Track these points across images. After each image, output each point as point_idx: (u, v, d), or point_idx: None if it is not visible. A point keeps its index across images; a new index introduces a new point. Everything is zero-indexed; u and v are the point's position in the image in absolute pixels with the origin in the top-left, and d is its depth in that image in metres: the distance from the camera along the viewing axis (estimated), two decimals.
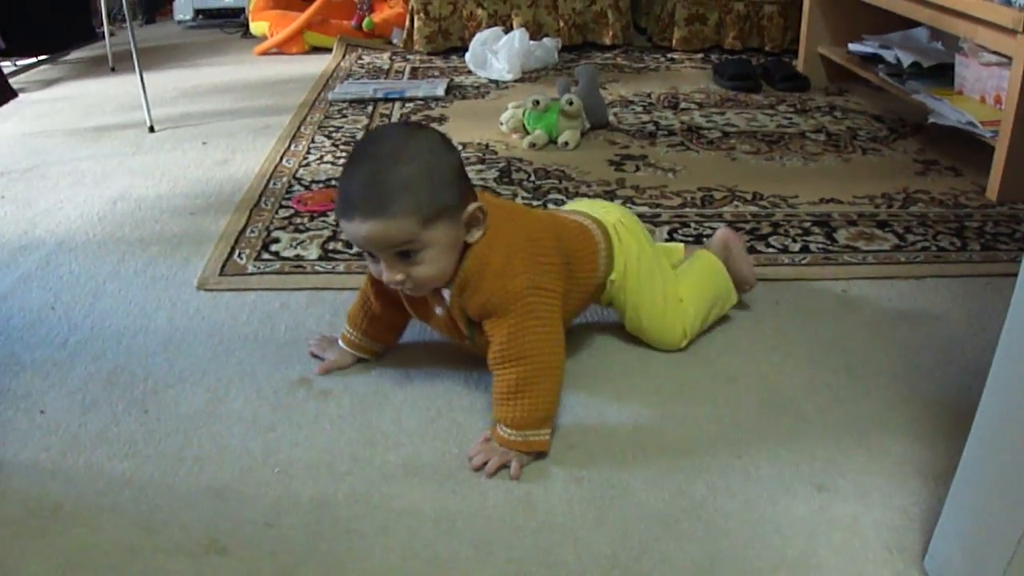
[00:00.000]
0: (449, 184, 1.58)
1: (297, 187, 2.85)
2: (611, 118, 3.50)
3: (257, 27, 5.03)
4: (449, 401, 1.79)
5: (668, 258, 2.09)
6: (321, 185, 2.85)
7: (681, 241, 2.35)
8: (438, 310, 1.73)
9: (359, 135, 3.36)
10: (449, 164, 1.60)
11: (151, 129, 3.48)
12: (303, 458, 1.62)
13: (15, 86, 2.68)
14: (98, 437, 1.69)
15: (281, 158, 3.12)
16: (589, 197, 2.32)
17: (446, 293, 1.70)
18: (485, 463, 1.59)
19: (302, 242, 2.44)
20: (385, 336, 1.92)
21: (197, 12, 5.64)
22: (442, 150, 1.61)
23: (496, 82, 4.16)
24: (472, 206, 1.61)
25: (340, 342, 1.91)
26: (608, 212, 1.98)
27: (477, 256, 1.63)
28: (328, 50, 4.83)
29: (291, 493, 1.54)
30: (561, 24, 4.71)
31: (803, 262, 2.33)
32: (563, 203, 2.66)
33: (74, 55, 4.79)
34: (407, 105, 3.77)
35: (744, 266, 2.10)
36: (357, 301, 1.90)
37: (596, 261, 1.86)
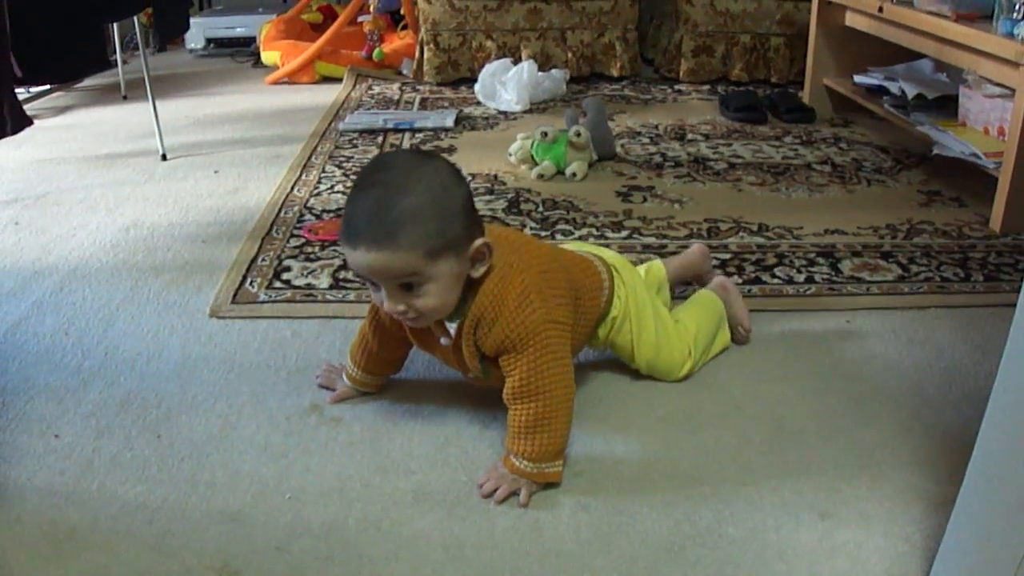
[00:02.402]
0: (456, 218, 1.56)
1: (308, 216, 2.87)
2: (619, 149, 3.51)
3: (268, 56, 5.05)
4: (458, 429, 1.80)
5: (652, 274, 2.14)
6: (332, 215, 2.87)
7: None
8: (443, 340, 1.73)
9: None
10: (458, 196, 1.57)
11: (163, 157, 3.50)
12: (314, 484, 1.64)
13: (28, 113, 2.70)
14: (112, 462, 1.71)
15: (292, 187, 3.14)
16: (581, 240, 2.31)
17: (451, 326, 1.70)
18: (495, 490, 1.60)
19: (313, 271, 2.46)
20: (384, 370, 1.93)
21: (209, 41, 5.66)
22: (451, 181, 1.58)
23: (505, 113, 4.18)
24: (478, 242, 1.59)
25: (343, 376, 1.93)
26: (602, 253, 2.00)
27: (491, 292, 1.63)
28: (339, 80, 4.85)
29: (302, 518, 1.56)
30: (569, 56, 4.73)
31: (808, 292, 2.35)
32: (572, 234, 2.69)
33: (86, 83, 4.81)
34: (417, 136, 3.79)
35: (741, 310, 2.14)
36: (356, 338, 1.90)
37: (599, 295, 1.87)
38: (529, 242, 1.80)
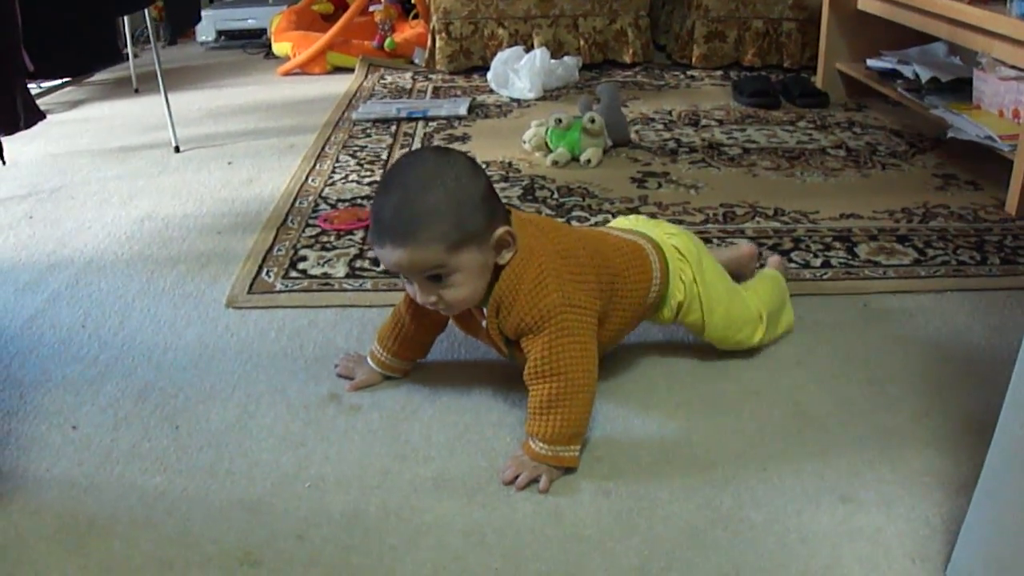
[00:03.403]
0: (476, 210, 1.60)
1: (323, 206, 2.87)
2: (632, 135, 3.51)
3: (280, 48, 5.04)
4: (478, 416, 1.80)
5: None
6: (347, 204, 2.87)
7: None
8: (484, 323, 1.75)
9: (383, 154, 3.39)
10: (476, 189, 1.62)
11: (176, 149, 3.51)
12: (334, 472, 1.64)
13: (41, 107, 2.70)
14: (130, 452, 1.71)
15: (307, 177, 3.14)
16: (648, 217, 2.30)
17: (485, 309, 1.72)
18: (516, 477, 1.61)
19: (329, 260, 2.46)
20: (413, 354, 1.94)
21: (220, 33, 5.65)
22: (469, 175, 1.63)
23: (518, 101, 4.17)
24: (500, 230, 1.63)
25: (369, 360, 1.93)
26: (661, 228, 2.00)
27: (509, 276, 1.66)
28: (350, 70, 4.84)
29: (322, 507, 1.56)
30: (581, 43, 4.72)
31: (824, 277, 2.34)
32: (587, 220, 2.69)
33: (98, 77, 4.82)
34: (430, 124, 3.79)
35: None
36: (389, 321, 1.92)
37: (648, 279, 1.86)
38: (557, 227, 1.81)
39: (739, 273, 2.22)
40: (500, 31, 4.70)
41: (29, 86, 2.72)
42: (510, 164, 3.26)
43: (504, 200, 2.80)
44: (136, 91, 4.56)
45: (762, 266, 2.28)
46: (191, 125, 3.85)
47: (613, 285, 1.79)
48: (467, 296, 1.66)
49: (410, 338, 1.90)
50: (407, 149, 3.45)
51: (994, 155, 2.90)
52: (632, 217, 2.13)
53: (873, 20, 3.74)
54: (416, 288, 1.66)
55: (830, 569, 1.41)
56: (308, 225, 2.72)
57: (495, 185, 2.92)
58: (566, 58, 4.50)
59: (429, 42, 4.78)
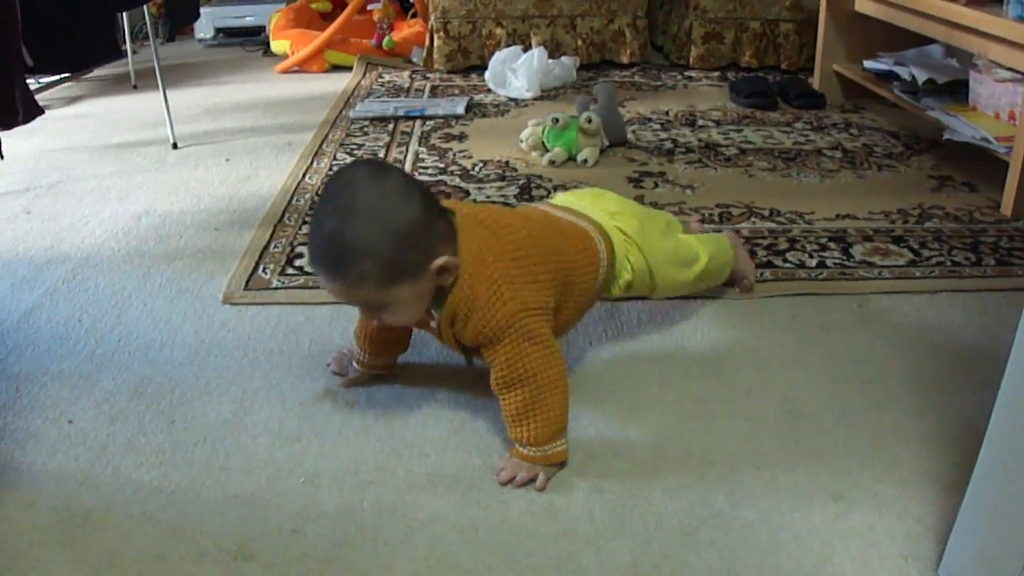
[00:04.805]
0: (409, 244, 1.56)
1: None
2: (629, 136, 3.51)
3: (278, 46, 5.05)
4: (472, 413, 1.81)
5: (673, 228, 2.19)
6: None
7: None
8: (432, 323, 1.74)
9: (381, 152, 3.40)
10: (410, 218, 1.56)
11: (174, 146, 3.51)
12: (329, 468, 1.65)
13: (39, 103, 2.71)
14: (126, 447, 1.72)
15: (304, 175, 3.15)
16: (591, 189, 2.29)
17: (435, 312, 1.71)
18: (512, 478, 1.61)
19: None
20: (390, 351, 1.94)
21: (218, 31, 5.66)
22: (402, 201, 1.57)
23: (515, 100, 4.18)
24: (439, 262, 1.58)
25: (354, 363, 1.93)
26: (603, 208, 2.00)
27: (463, 289, 1.63)
28: (348, 68, 4.85)
29: (317, 502, 1.56)
30: (579, 43, 4.73)
31: (820, 277, 2.35)
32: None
33: (96, 73, 4.83)
34: (427, 123, 3.79)
35: (746, 263, 2.26)
36: (357, 323, 1.91)
37: (596, 266, 1.87)
38: (506, 222, 1.76)
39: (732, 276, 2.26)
40: (498, 31, 4.70)
41: (27, 81, 2.72)
42: (507, 163, 3.26)
43: (501, 199, 2.81)
44: (134, 87, 4.57)
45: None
46: (189, 122, 3.85)
47: (567, 277, 1.79)
48: (407, 320, 1.68)
49: (381, 339, 1.89)
50: (402, 146, 3.46)
51: (990, 157, 2.90)
52: (575, 192, 2.14)
53: (870, 22, 3.75)
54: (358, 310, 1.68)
55: (823, 567, 1.41)
56: (305, 222, 2.72)
57: (492, 184, 2.94)
58: (564, 58, 4.51)
59: (427, 41, 4.78)
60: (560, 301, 1.78)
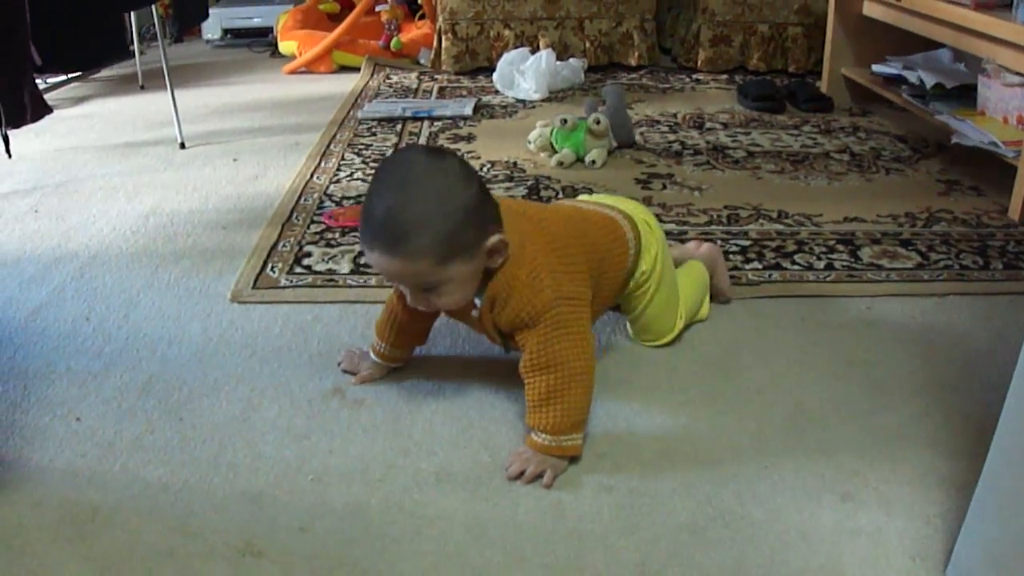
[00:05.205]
0: (467, 221, 1.58)
1: (328, 203, 2.88)
2: (637, 137, 3.51)
3: (286, 46, 5.05)
4: (481, 411, 1.81)
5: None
6: (352, 201, 2.87)
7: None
8: (474, 312, 1.75)
9: (388, 153, 3.39)
10: (468, 197, 1.59)
11: (182, 146, 3.51)
12: (337, 465, 1.65)
13: (47, 102, 2.72)
14: (134, 444, 1.72)
15: (312, 174, 3.15)
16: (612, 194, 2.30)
17: (478, 300, 1.72)
18: (521, 473, 1.61)
19: (334, 256, 2.47)
20: (412, 341, 1.95)
21: (225, 31, 5.66)
22: (462, 181, 1.60)
23: (523, 102, 4.18)
24: (492, 240, 1.61)
25: (371, 355, 1.93)
26: (634, 210, 2.01)
27: (504, 274, 1.66)
28: (356, 70, 4.85)
29: (325, 499, 1.57)
30: (587, 45, 4.73)
31: (828, 279, 2.35)
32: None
33: (104, 73, 4.83)
34: (435, 124, 3.80)
35: (725, 282, 2.25)
36: (383, 313, 1.92)
37: (626, 254, 1.89)
38: (547, 217, 1.80)
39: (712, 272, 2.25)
40: (506, 32, 4.70)
41: (36, 80, 2.73)
42: (515, 164, 3.26)
43: None
44: (142, 87, 4.56)
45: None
46: (196, 122, 3.85)
47: (600, 265, 1.82)
48: (457, 302, 1.68)
49: (406, 327, 1.90)
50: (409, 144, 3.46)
51: (997, 161, 2.90)
52: (595, 195, 2.18)
53: (878, 26, 3.75)
54: (407, 292, 1.67)
55: (830, 567, 1.41)
56: (313, 222, 2.72)
57: (500, 184, 2.95)
58: (572, 60, 4.51)
59: (435, 42, 4.78)
60: (595, 289, 1.80)
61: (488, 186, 2.74)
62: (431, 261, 1.57)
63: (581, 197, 2.16)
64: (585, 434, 1.68)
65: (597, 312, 1.91)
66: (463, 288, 1.64)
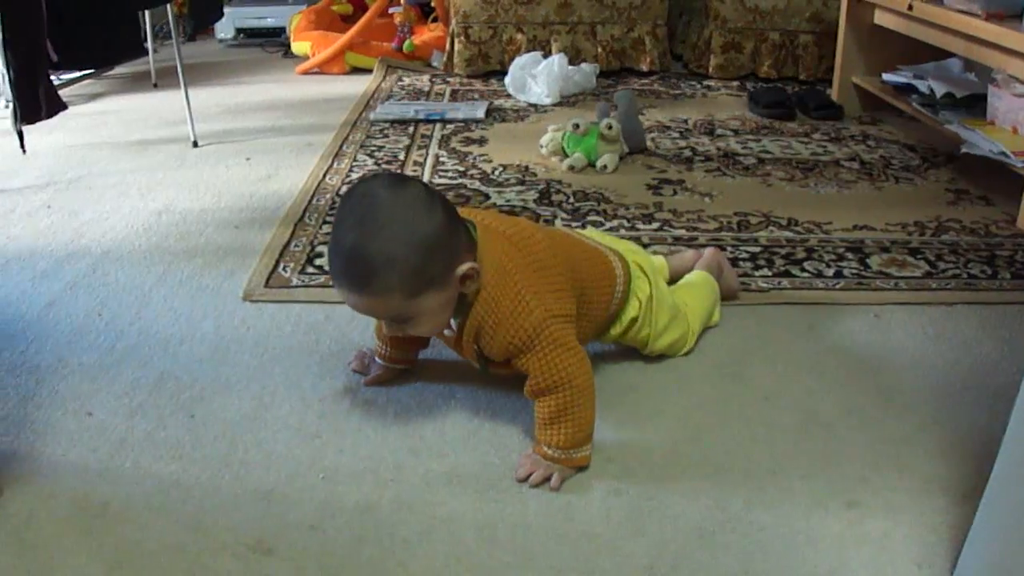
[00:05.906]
0: (433, 253, 1.56)
1: None
2: (648, 143, 3.52)
3: (299, 47, 5.06)
4: (491, 413, 1.82)
5: (661, 275, 2.15)
6: None
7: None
8: (447, 332, 1.76)
9: (401, 155, 3.41)
10: (433, 228, 1.56)
11: (195, 144, 3.53)
12: (348, 465, 1.66)
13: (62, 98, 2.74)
14: (145, 440, 1.73)
15: (324, 175, 3.16)
16: (605, 232, 2.32)
17: (453, 321, 1.71)
18: (530, 475, 1.62)
19: None
20: (413, 346, 1.95)
21: (239, 31, 5.68)
22: (426, 212, 1.56)
23: (535, 106, 4.19)
24: (463, 268, 1.59)
25: (376, 358, 1.94)
26: (627, 250, 2.02)
27: (487, 301, 1.65)
28: (369, 71, 4.86)
29: (336, 498, 1.58)
30: (599, 50, 4.74)
31: (837, 287, 2.35)
32: (602, 225, 2.71)
33: (117, 70, 4.84)
34: (447, 126, 3.81)
35: (733, 281, 2.28)
36: (377, 321, 1.92)
37: (611, 289, 1.89)
38: (527, 235, 1.77)
39: (719, 276, 2.26)
40: (518, 36, 4.71)
41: (51, 77, 2.74)
42: (527, 168, 3.27)
43: (520, 203, 2.81)
44: (155, 85, 4.58)
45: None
46: (209, 121, 3.87)
47: (582, 292, 1.80)
48: (431, 330, 1.69)
49: (401, 337, 1.88)
50: (422, 149, 3.47)
51: (1007, 171, 2.90)
52: (593, 231, 2.19)
53: (889, 35, 3.75)
54: (381, 323, 1.69)
55: (836, 572, 1.42)
56: (326, 222, 2.73)
57: (512, 188, 2.95)
58: (583, 65, 4.52)
59: (448, 45, 4.79)
60: (578, 312, 1.79)
61: (498, 190, 2.75)
62: (400, 297, 1.56)
63: (578, 232, 2.16)
64: (592, 444, 1.68)
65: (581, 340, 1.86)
66: (436, 317, 1.64)
